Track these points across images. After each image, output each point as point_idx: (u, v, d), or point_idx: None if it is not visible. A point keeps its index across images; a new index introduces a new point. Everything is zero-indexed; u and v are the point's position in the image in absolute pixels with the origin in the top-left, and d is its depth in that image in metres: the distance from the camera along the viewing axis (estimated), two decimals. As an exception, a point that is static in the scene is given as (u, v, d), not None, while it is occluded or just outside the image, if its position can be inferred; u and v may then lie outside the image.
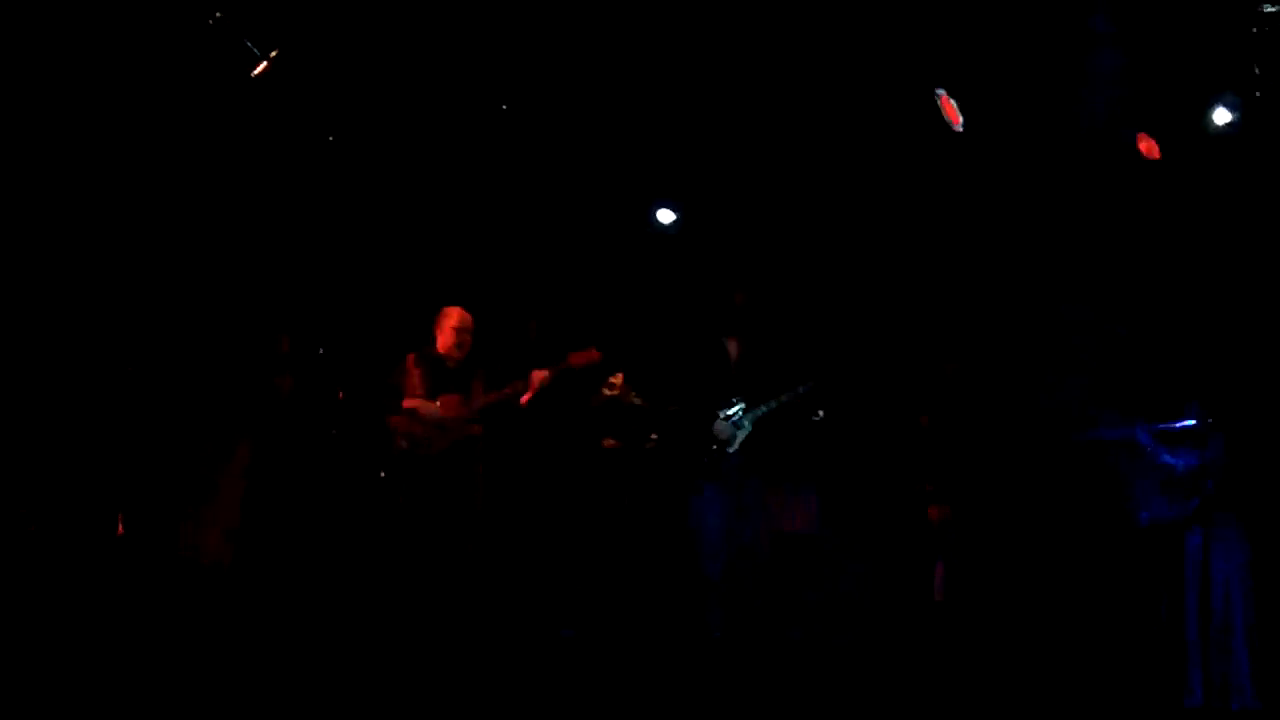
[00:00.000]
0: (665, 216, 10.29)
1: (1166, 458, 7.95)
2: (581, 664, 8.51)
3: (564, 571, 9.43)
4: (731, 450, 9.01)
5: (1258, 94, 8.98)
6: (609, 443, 9.48)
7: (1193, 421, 8.04)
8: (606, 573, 9.36)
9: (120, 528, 8.78)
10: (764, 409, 9.05)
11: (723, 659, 8.57)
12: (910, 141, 9.90)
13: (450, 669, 8.13)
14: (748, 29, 9.48)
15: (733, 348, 9.26)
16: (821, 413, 9.35)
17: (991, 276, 10.09)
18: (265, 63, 8.85)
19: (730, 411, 9.05)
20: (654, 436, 9.41)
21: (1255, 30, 8.70)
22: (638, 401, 9.36)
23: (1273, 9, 8.52)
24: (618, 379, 9.39)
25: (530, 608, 9.23)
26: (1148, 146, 9.13)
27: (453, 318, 9.28)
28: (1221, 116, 9.10)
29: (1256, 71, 8.91)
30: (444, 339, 9.25)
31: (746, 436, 9.02)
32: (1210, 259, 9.42)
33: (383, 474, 9.05)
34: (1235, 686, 7.62)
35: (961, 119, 9.32)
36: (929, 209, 10.16)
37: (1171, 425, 8.05)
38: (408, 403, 9.17)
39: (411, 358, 9.27)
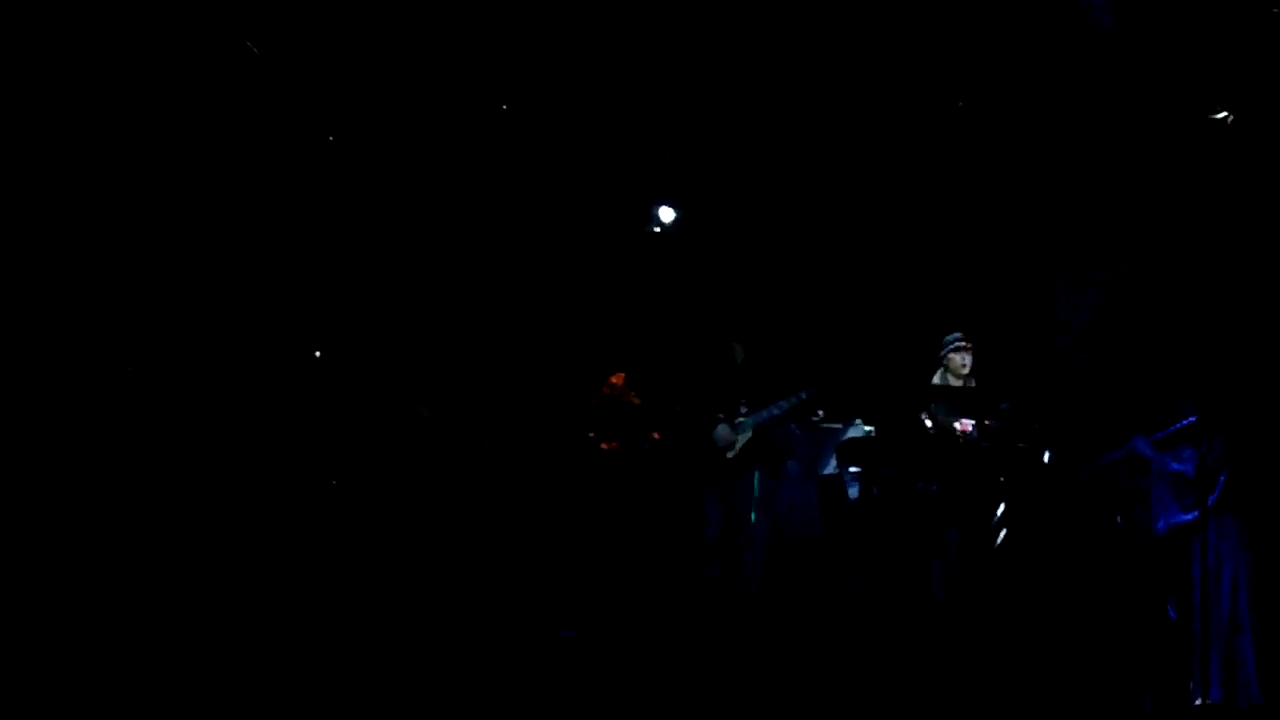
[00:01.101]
0: (666, 215, 10.30)
1: (1174, 465, 7.93)
2: (582, 664, 8.49)
3: (565, 572, 9.41)
4: (731, 454, 8.99)
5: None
6: (607, 445, 9.46)
7: (1189, 421, 8.00)
8: (607, 573, 9.35)
9: None
10: (766, 413, 9.03)
11: (723, 658, 8.56)
12: (911, 143, 9.91)
13: (451, 669, 8.13)
14: (746, 30, 9.49)
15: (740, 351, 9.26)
16: (821, 413, 9.34)
17: (990, 279, 10.10)
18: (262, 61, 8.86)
19: (734, 416, 9.04)
20: (655, 436, 9.39)
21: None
22: (637, 402, 9.35)
23: None
24: (617, 379, 9.38)
25: (530, 608, 9.21)
26: None
27: None
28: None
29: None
30: None
31: (747, 440, 9.00)
32: (1206, 259, 9.43)
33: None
34: (1242, 683, 7.61)
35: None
36: (930, 212, 10.17)
37: (1168, 431, 8.02)
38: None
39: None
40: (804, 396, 9.01)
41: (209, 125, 9.47)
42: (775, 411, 9.02)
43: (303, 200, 9.81)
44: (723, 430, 9.01)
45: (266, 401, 9.35)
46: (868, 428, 9.61)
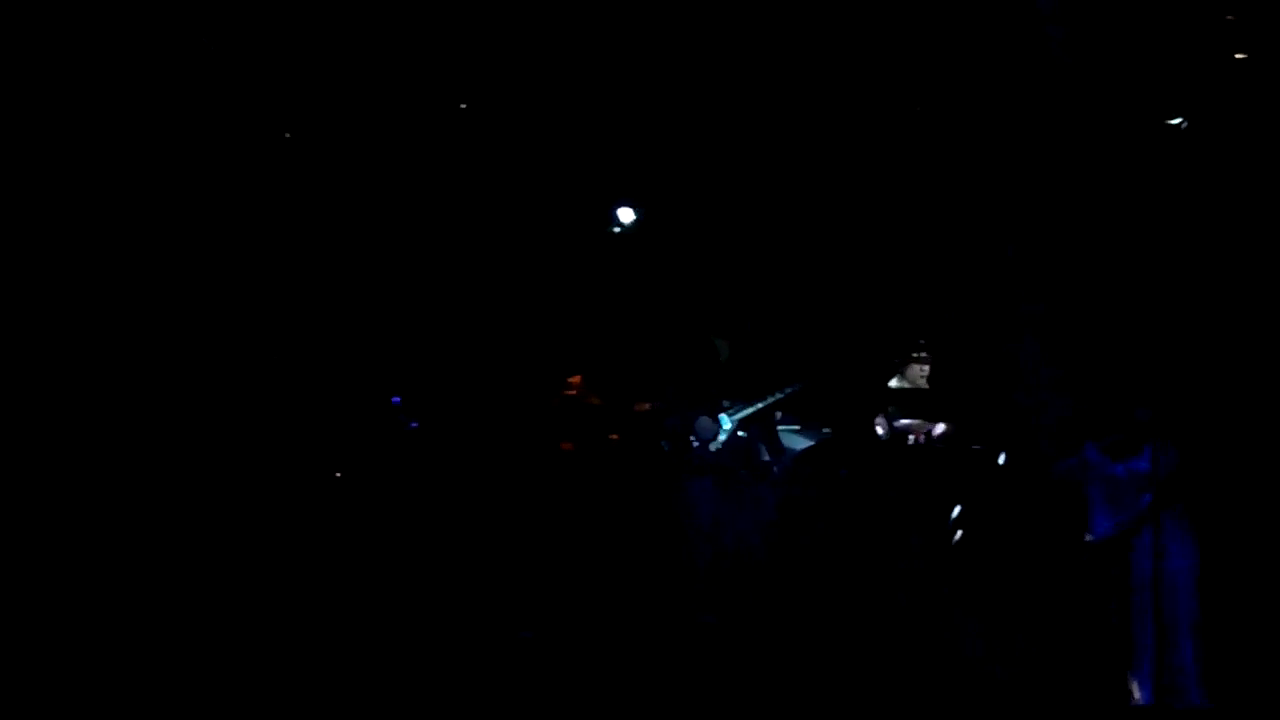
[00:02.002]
0: (626, 215, 10.31)
1: (1116, 469, 8.03)
2: (540, 665, 8.51)
3: (523, 573, 9.41)
4: (715, 447, 8.99)
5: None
6: (565, 445, 9.47)
7: (1141, 421, 8.09)
8: (565, 574, 9.35)
9: None
10: (749, 409, 9.05)
11: (680, 656, 8.59)
12: (866, 146, 9.94)
13: (409, 669, 8.14)
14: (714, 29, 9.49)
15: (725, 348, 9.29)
16: (779, 414, 9.38)
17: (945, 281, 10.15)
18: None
19: (718, 411, 9.06)
20: (613, 437, 9.41)
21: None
22: (596, 402, 9.37)
23: None
24: (576, 380, 9.39)
25: (489, 609, 9.22)
26: None
27: None
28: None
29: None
30: None
31: (728, 434, 9.02)
32: (1160, 263, 9.50)
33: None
34: (1182, 685, 7.71)
35: None
36: (888, 214, 10.20)
37: (1119, 436, 8.10)
38: None
39: None
40: (787, 393, 9.05)
41: (163, 123, 9.39)
42: (758, 406, 9.06)
43: (257, 201, 9.74)
44: (704, 422, 9.01)
45: (222, 407, 9.30)
46: (825, 430, 9.66)
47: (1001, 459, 8.92)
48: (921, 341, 9.45)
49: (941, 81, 9.83)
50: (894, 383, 9.50)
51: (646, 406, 9.33)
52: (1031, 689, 8.01)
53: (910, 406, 9.33)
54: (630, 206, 10.27)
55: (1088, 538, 8.03)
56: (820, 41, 9.67)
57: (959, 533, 8.74)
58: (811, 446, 9.53)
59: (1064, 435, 8.61)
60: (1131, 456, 8.03)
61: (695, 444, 9.01)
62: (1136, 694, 7.81)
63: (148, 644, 7.95)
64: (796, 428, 9.51)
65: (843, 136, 10.16)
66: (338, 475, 9.17)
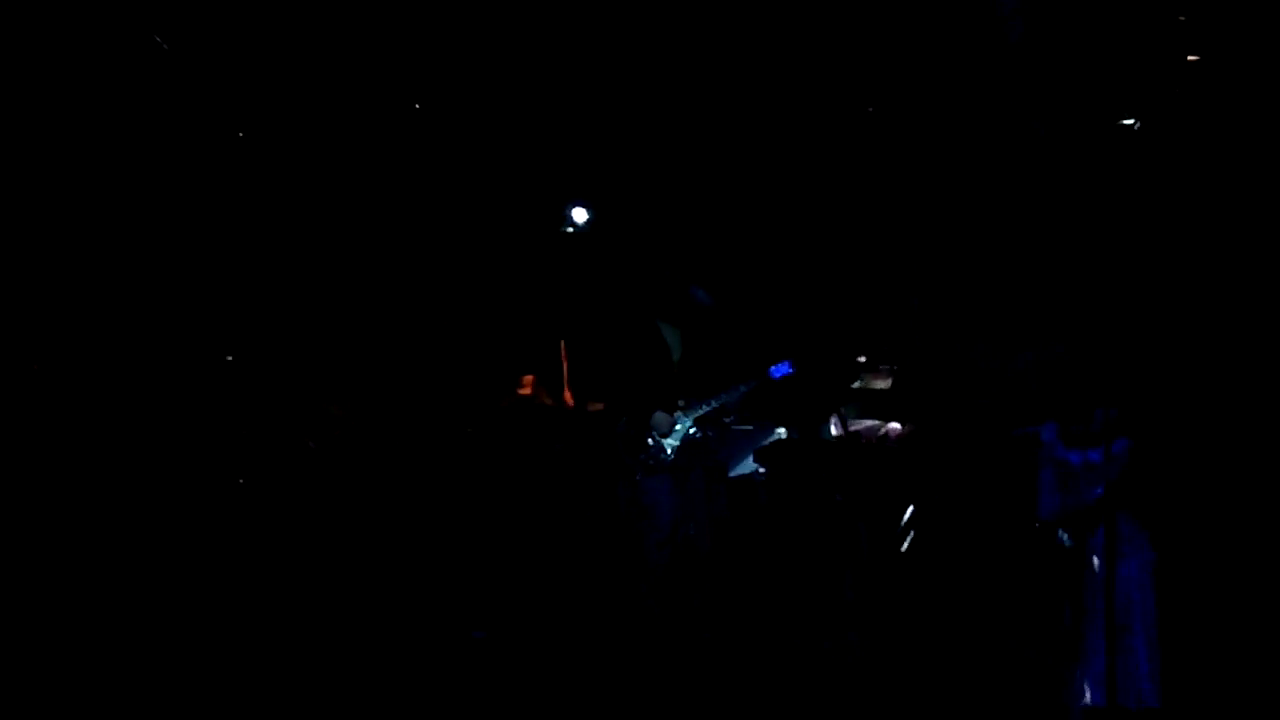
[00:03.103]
0: (579, 215, 10.31)
1: (1061, 453, 8.06)
2: (493, 665, 8.51)
3: (476, 573, 9.42)
4: (670, 444, 9.00)
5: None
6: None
7: (1104, 423, 8.10)
8: (518, 574, 9.36)
9: None
10: (705, 407, 9.06)
11: (630, 659, 8.60)
12: (823, 146, 9.97)
13: (360, 671, 8.13)
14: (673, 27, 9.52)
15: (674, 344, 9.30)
16: (733, 415, 9.38)
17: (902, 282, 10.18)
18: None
19: (673, 410, 9.07)
20: (566, 436, 9.42)
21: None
22: (549, 402, 9.36)
23: None
24: (529, 379, 9.39)
25: (441, 609, 9.22)
26: None
27: None
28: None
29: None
30: None
31: (685, 431, 9.03)
32: (1125, 262, 9.53)
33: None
34: (1134, 686, 7.73)
35: None
36: (846, 214, 10.24)
37: (1082, 426, 8.12)
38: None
39: None
40: (743, 390, 9.06)
41: (111, 123, 9.38)
42: (714, 404, 9.07)
43: (213, 196, 9.73)
44: (661, 416, 9.01)
45: (177, 398, 9.28)
46: (780, 430, 9.68)
47: (955, 460, 8.94)
48: (883, 349, 9.48)
49: (898, 79, 9.86)
50: (855, 385, 9.52)
51: (600, 406, 9.33)
52: (983, 690, 8.04)
53: (868, 407, 9.34)
54: (584, 206, 10.28)
55: (1034, 525, 8.07)
56: (773, 40, 9.68)
57: (912, 533, 8.76)
58: (767, 445, 9.54)
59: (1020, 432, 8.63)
60: (1089, 448, 8.06)
61: (651, 441, 9.01)
62: (1088, 695, 7.82)
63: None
64: (750, 428, 9.54)
65: (799, 135, 10.18)
66: (288, 471, 9.16)
